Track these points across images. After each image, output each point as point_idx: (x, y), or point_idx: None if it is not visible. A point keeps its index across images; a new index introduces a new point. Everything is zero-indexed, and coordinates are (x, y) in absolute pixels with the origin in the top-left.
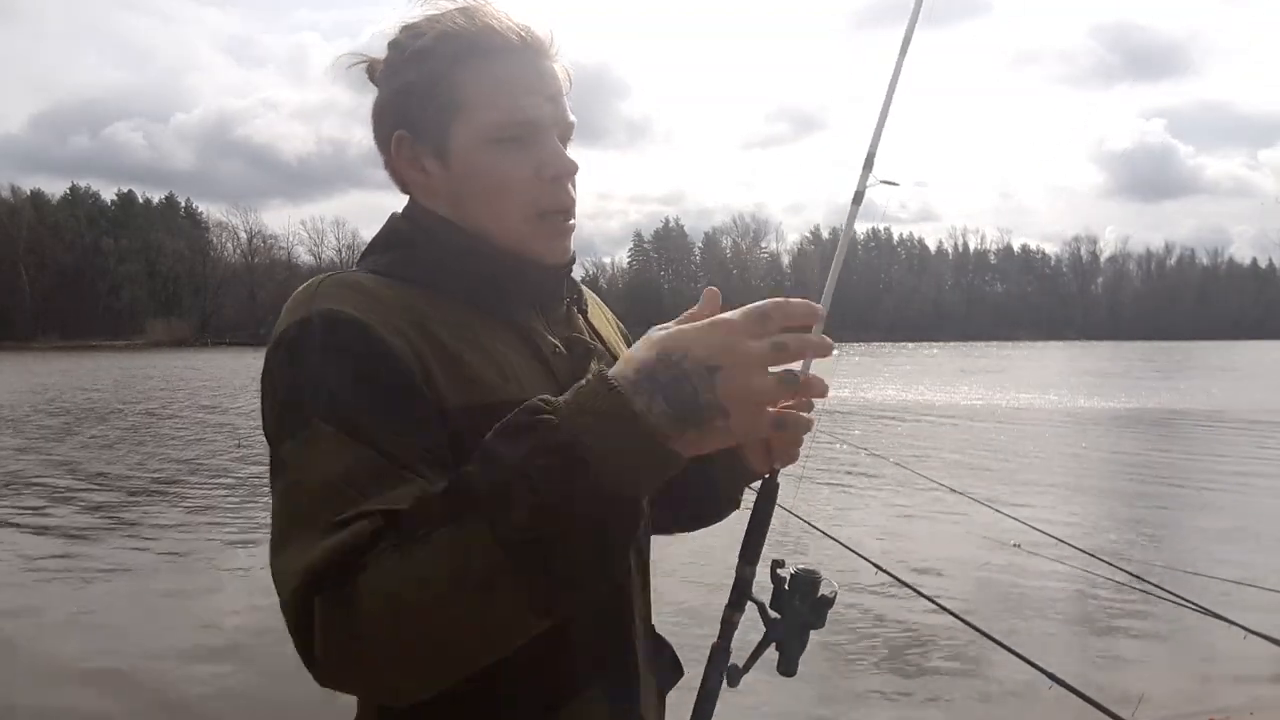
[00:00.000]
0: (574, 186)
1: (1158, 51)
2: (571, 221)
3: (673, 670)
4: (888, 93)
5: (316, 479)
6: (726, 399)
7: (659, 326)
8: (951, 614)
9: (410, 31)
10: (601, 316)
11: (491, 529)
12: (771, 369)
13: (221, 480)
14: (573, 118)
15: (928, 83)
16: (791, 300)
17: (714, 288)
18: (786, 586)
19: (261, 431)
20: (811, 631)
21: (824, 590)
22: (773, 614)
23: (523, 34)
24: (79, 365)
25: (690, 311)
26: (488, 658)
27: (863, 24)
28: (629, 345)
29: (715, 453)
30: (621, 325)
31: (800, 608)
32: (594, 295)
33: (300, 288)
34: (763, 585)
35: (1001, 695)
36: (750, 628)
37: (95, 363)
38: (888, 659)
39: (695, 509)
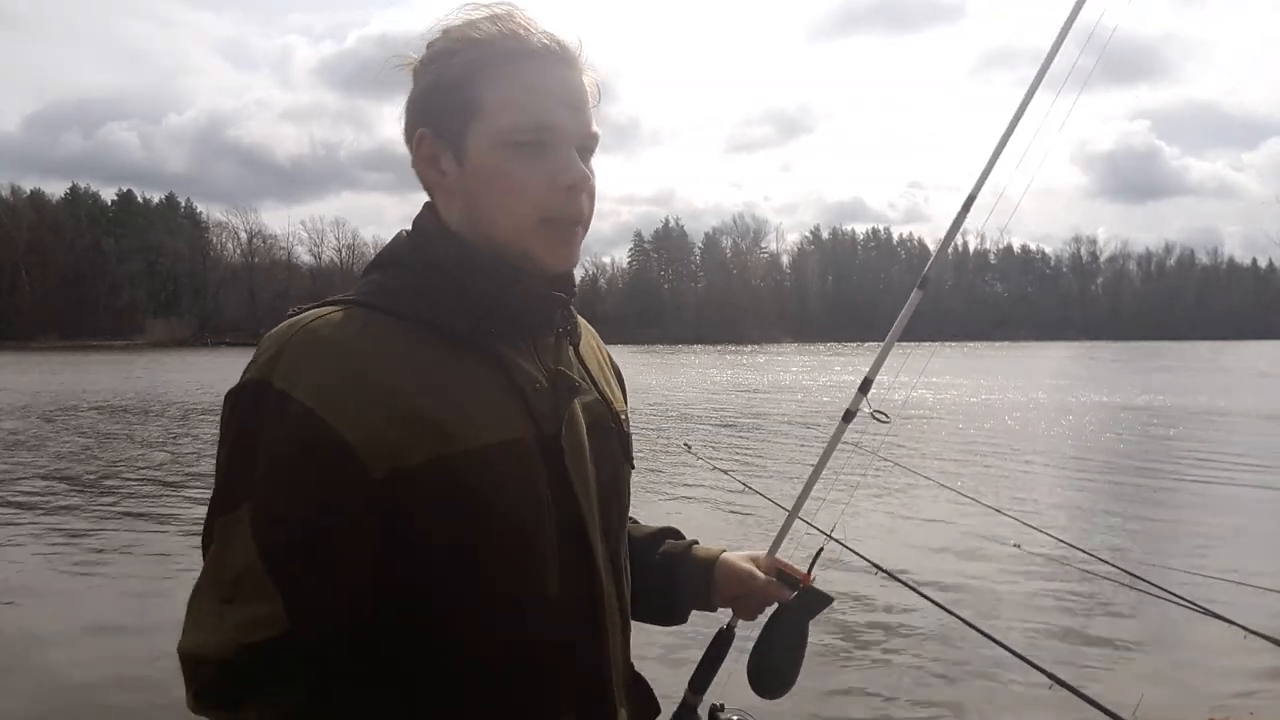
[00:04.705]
0: (590, 199)
1: (1135, 54)
2: (580, 230)
3: (649, 707)
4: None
5: (224, 563)
6: None
7: None
8: (951, 613)
9: (442, 34)
10: (591, 346)
11: None
12: None
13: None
14: (596, 129)
15: (919, 83)
16: None
17: None
18: None
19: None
20: None
21: None
22: None
23: (549, 42)
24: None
25: None
26: None
27: (819, 35)
28: (618, 376)
29: (683, 581)
30: (610, 356)
31: None
32: (586, 324)
33: (280, 327)
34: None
35: (1001, 695)
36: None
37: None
38: (886, 658)
39: (648, 610)
